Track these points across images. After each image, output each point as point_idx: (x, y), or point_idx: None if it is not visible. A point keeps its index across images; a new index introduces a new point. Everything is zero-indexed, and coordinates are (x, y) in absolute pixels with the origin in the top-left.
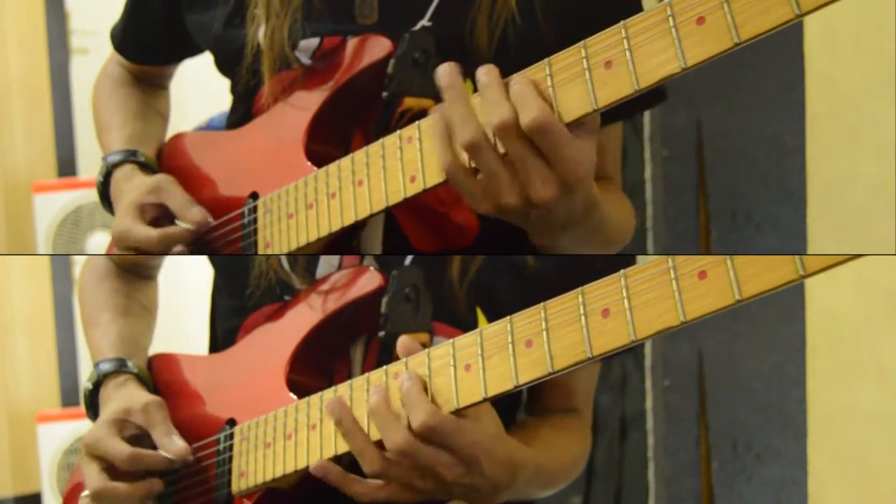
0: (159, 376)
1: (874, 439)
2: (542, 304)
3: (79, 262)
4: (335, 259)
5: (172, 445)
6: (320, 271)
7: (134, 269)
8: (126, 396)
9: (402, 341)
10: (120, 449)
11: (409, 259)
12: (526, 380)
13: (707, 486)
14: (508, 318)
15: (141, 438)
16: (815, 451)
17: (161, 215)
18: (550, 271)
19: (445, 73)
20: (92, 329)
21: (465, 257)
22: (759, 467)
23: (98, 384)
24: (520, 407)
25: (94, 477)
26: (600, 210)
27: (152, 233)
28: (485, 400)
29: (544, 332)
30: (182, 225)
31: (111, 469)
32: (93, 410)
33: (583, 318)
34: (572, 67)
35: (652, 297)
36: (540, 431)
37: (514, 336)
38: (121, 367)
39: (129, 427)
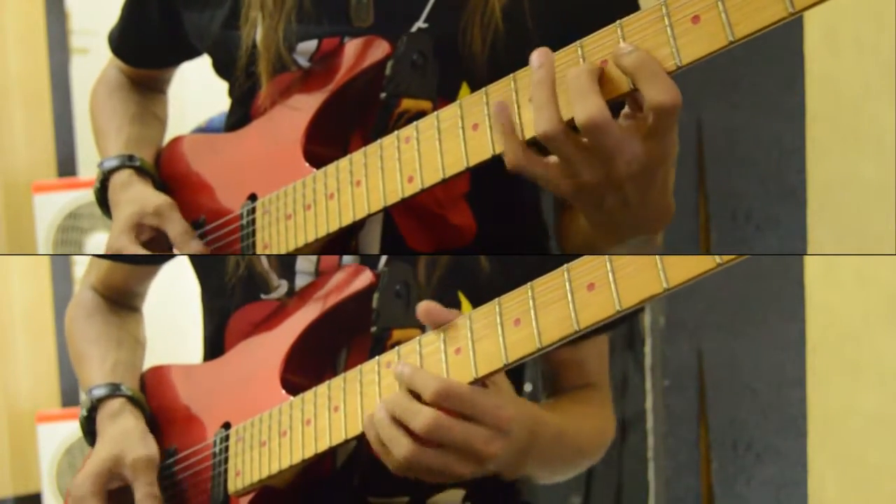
0: (153, 391)
1: (874, 439)
2: (528, 283)
3: (79, 262)
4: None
5: None
6: (299, 266)
7: (119, 300)
8: (119, 437)
9: (424, 306)
10: None
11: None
12: (515, 357)
13: (707, 486)
14: (497, 300)
15: (127, 490)
16: (815, 451)
17: (157, 236)
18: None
19: (542, 53)
20: (83, 361)
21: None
22: (759, 467)
23: (92, 410)
24: (521, 391)
25: None
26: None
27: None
28: (476, 381)
29: (532, 310)
30: (177, 254)
31: None
32: (90, 437)
33: (569, 294)
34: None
35: (635, 269)
36: (559, 402)
37: (502, 317)
38: (114, 392)
39: (115, 479)
